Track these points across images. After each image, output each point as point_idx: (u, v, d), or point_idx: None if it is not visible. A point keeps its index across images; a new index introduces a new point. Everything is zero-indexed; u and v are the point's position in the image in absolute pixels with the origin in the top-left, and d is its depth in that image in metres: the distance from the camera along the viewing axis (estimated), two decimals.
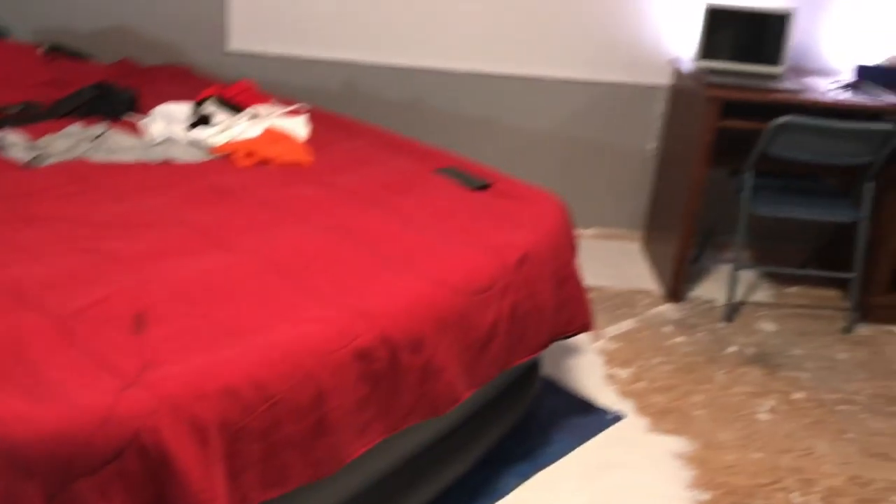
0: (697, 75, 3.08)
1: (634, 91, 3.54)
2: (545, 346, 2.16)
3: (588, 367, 2.77)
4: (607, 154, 3.66)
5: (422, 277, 1.84)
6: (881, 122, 2.81)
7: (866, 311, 3.20)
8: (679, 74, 3.32)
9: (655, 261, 3.44)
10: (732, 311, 3.19)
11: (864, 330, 3.15)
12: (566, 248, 2.20)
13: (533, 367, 2.41)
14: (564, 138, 3.64)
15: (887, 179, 3.11)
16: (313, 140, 2.65)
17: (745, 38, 3.18)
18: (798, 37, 3.37)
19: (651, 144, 3.61)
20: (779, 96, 2.92)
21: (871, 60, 3.35)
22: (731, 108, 2.98)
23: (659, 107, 3.55)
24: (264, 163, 2.43)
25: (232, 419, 1.45)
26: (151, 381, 1.42)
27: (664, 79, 3.50)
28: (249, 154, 2.45)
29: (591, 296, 3.23)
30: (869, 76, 3.18)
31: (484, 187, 2.36)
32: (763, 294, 3.36)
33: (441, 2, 3.44)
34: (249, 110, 2.72)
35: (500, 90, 3.58)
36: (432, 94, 3.61)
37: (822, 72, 3.35)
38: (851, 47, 3.38)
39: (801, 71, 3.32)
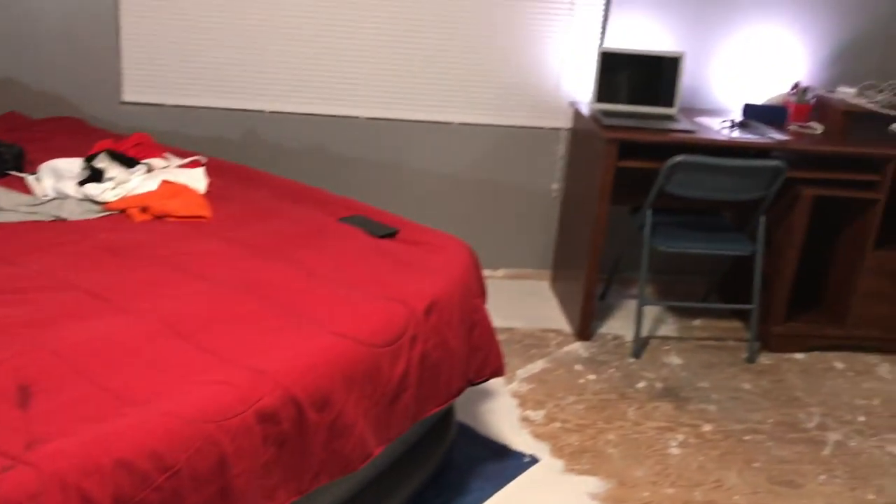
0: (595, 118, 3.17)
1: (537, 134, 3.61)
2: (458, 393, 2.14)
3: (502, 411, 2.77)
4: (514, 196, 3.71)
5: (327, 331, 1.79)
6: (769, 160, 2.94)
7: (767, 341, 3.32)
8: (579, 117, 3.40)
9: (564, 299, 3.49)
10: (640, 346, 3.26)
11: (765, 359, 3.26)
12: (475, 293, 2.20)
13: (447, 415, 2.38)
14: (471, 181, 3.67)
15: (779, 214, 3.26)
16: (212, 192, 2.58)
17: (639, 81, 3.29)
18: (690, 79, 3.52)
19: (555, 185, 3.68)
20: (673, 136, 3.02)
21: (757, 99, 3.53)
22: (628, 149, 3.08)
23: (561, 148, 3.62)
24: (161, 218, 2.36)
25: (127, 494, 1.37)
26: (37, 458, 1.33)
27: (565, 121, 3.59)
28: (145, 209, 2.37)
29: (502, 338, 3.24)
30: (755, 115, 3.33)
31: (390, 235, 2.34)
32: (669, 328, 3.45)
33: (343, 48, 3.45)
34: (144, 163, 2.64)
35: (405, 135, 3.59)
36: (336, 141, 3.59)
37: (713, 112, 3.49)
38: (739, 87, 3.55)
39: (693, 111, 3.45)
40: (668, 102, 3.30)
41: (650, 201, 3.08)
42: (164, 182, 2.51)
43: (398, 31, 3.43)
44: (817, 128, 3.27)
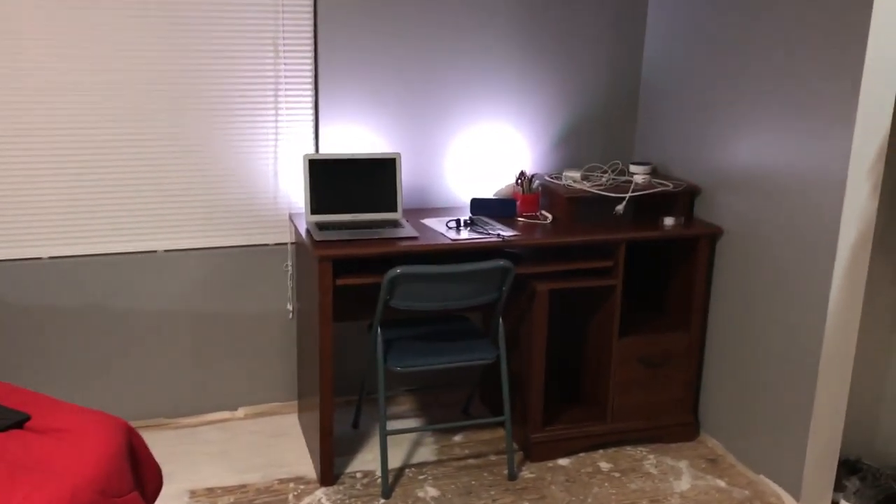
0: (309, 232, 2.85)
1: (262, 252, 3.24)
2: None
3: None
4: (246, 323, 3.29)
5: None
6: (496, 260, 2.73)
7: (528, 450, 3.06)
8: (297, 232, 3.07)
9: (310, 436, 3.07)
10: (390, 483, 2.88)
11: (528, 471, 2.98)
12: (119, 490, 1.74)
13: None
14: (194, 314, 3.22)
15: (521, 312, 3.06)
16: None
17: (356, 188, 3.02)
18: (417, 179, 3.30)
19: (290, 305, 3.30)
20: (389, 248, 2.74)
21: (486, 192, 3.37)
22: (349, 264, 2.77)
23: (290, 265, 3.27)
24: None
25: None
26: None
27: (290, 235, 3.25)
28: None
29: (233, 499, 2.77)
30: (483, 209, 3.15)
31: (17, 424, 1.84)
32: (427, 451, 3.10)
33: (4, 182, 2.94)
34: None
35: (104, 272, 3.10)
36: (15, 289, 3.03)
37: (444, 210, 3.28)
38: (467, 182, 3.38)
39: (423, 212, 3.22)
40: (390, 206, 3.04)
41: (377, 319, 2.77)
42: None
43: (78, 151, 2.98)
44: (547, 217, 3.13)
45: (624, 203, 3.05)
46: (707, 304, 3.17)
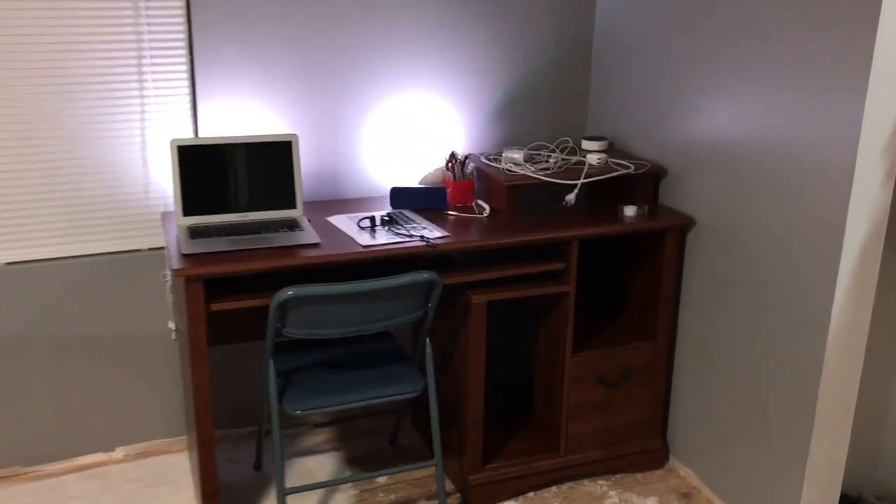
0: (179, 242, 2.24)
1: (134, 259, 2.60)
2: None
3: None
4: (117, 346, 2.67)
5: None
6: (419, 273, 2.16)
7: (467, 493, 2.53)
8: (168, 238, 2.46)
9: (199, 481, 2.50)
10: None
11: None
12: None
13: None
14: (50, 339, 2.57)
15: (454, 328, 2.51)
16: None
17: (240, 180, 2.41)
18: (325, 166, 2.70)
19: (172, 323, 2.70)
20: (280, 262, 2.14)
21: (411, 178, 2.80)
22: (226, 282, 2.18)
23: (167, 275, 2.65)
24: None
25: None
26: None
27: (164, 239, 2.63)
28: None
29: None
30: (405, 201, 2.57)
31: None
32: (344, 497, 2.54)
33: None
34: None
35: None
36: None
37: (359, 203, 2.67)
38: (390, 167, 2.79)
39: (332, 206, 2.61)
40: (287, 203, 2.44)
41: (269, 350, 2.19)
42: None
43: None
44: (483, 208, 2.56)
45: (576, 191, 2.50)
46: (676, 308, 2.65)
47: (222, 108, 2.55)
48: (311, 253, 2.18)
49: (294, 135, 2.43)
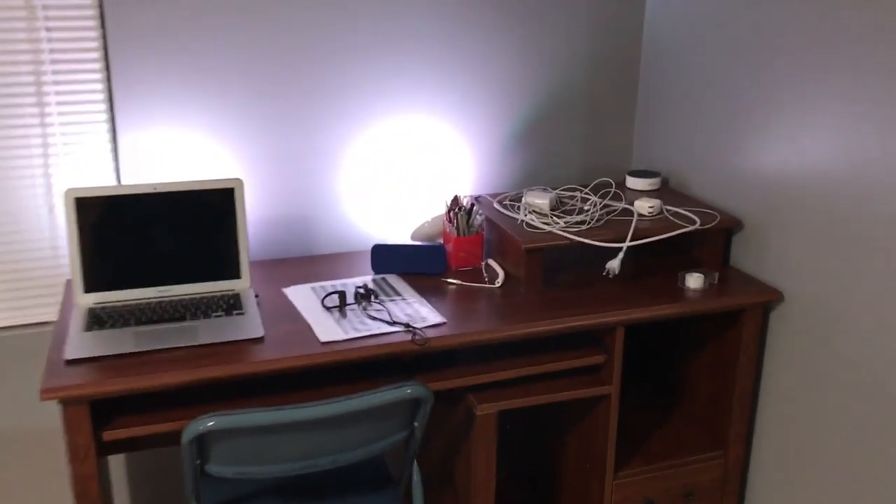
0: (70, 334, 1.61)
1: (35, 338, 2.01)
2: None
3: None
4: (7, 444, 2.08)
5: None
6: (401, 387, 1.52)
7: None
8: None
9: None
10: None
11: None
12: None
13: None
14: None
15: (453, 442, 1.87)
16: None
17: (164, 242, 1.78)
18: (287, 208, 2.08)
19: None
20: (203, 373, 1.48)
21: (395, 232, 2.17)
22: (129, 399, 1.55)
23: None
24: None
25: None
26: None
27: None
28: None
29: None
30: (390, 263, 1.92)
31: None
32: None
33: None
34: None
35: None
36: None
37: (328, 261, 2.05)
38: (370, 213, 2.14)
39: (292, 267, 1.98)
40: (229, 270, 1.81)
41: (190, 490, 1.58)
42: None
43: None
44: (496, 274, 1.92)
45: (621, 256, 1.85)
46: (754, 408, 2.01)
47: (151, 141, 1.92)
48: (251, 353, 1.55)
49: (237, 180, 1.80)
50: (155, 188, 1.74)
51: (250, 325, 1.64)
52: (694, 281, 1.86)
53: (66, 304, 1.76)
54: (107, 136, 1.90)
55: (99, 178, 1.92)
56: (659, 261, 2.01)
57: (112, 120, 1.90)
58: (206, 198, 1.77)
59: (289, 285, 1.87)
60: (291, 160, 2.04)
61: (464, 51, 2.10)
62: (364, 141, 2.08)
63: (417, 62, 2.07)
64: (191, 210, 1.76)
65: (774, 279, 1.89)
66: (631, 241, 1.84)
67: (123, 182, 1.93)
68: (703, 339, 2.02)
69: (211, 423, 1.42)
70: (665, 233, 1.87)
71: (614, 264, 1.82)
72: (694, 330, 2.06)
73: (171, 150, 1.95)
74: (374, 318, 1.69)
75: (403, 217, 2.16)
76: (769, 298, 1.86)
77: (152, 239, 1.75)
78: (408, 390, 1.52)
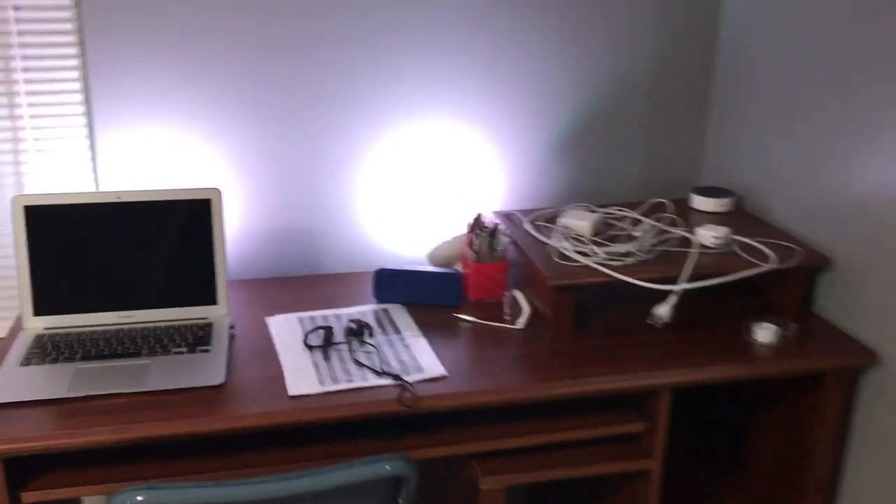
0: (16, 354, 1.37)
1: None
2: None
3: None
4: None
5: None
6: (377, 461, 1.22)
7: None
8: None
9: None
10: None
11: None
12: None
13: None
14: None
15: None
16: None
17: (128, 260, 1.51)
18: (285, 221, 1.80)
19: None
20: (128, 434, 1.20)
21: (411, 254, 1.87)
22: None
23: None
24: None
25: None
26: None
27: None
28: None
29: None
30: (392, 290, 1.62)
31: None
32: None
33: None
34: None
35: None
36: None
37: (327, 284, 1.76)
38: (382, 229, 1.84)
39: (282, 287, 1.70)
40: (203, 294, 1.55)
41: None
42: None
43: None
44: (520, 310, 1.61)
45: (673, 303, 1.51)
46: (834, 494, 1.60)
47: (135, 144, 1.67)
48: (203, 405, 1.28)
49: (215, 189, 1.53)
50: (118, 197, 1.50)
51: (212, 367, 1.37)
52: (765, 334, 1.50)
53: (17, 326, 1.54)
54: (83, 133, 1.67)
55: (76, 184, 1.68)
56: (721, 304, 1.65)
57: (89, 114, 1.66)
58: (179, 210, 1.51)
59: (275, 312, 1.60)
60: (293, 167, 1.76)
61: (496, 39, 1.77)
62: (378, 144, 1.78)
63: (442, 56, 1.76)
64: (160, 224, 1.51)
65: (869, 335, 1.51)
66: (687, 282, 1.49)
67: (102, 189, 1.70)
68: (774, 400, 1.65)
69: (140, 499, 1.16)
70: (730, 273, 1.50)
71: (663, 311, 1.47)
72: (762, 387, 1.69)
73: (158, 153, 1.69)
74: (361, 365, 1.41)
75: (421, 235, 1.86)
76: (861, 361, 1.48)
77: (115, 256, 1.50)
78: (386, 466, 1.23)
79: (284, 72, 1.70)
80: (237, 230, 1.77)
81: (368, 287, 1.72)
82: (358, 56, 1.72)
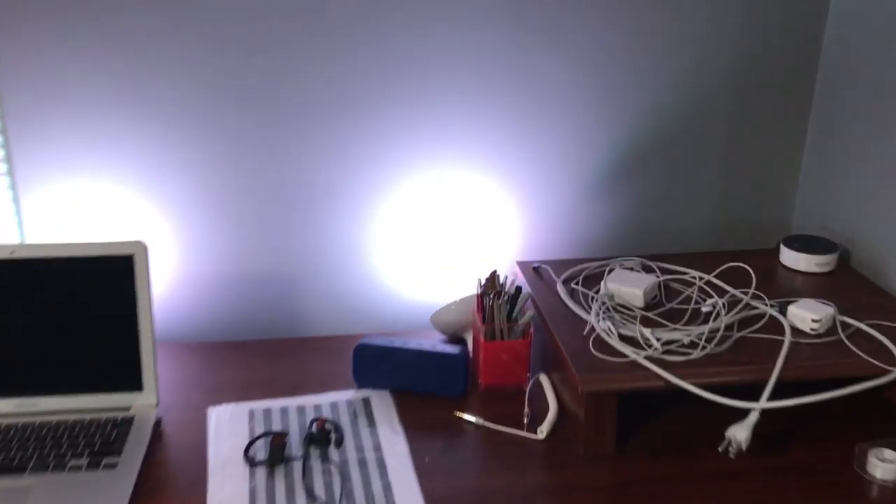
0: None
1: None
2: None
3: None
4: None
5: None
6: None
7: None
8: None
9: None
10: None
11: None
12: None
13: None
14: None
15: None
16: None
17: (30, 333, 1.16)
18: (264, 266, 1.43)
19: None
20: None
21: (413, 317, 1.46)
22: None
23: None
24: None
25: None
26: None
27: None
28: None
29: None
30: (375, 373, 1.21)
31: None
32: None
33: None
34: None
35: None
36: None
37: (319, 349, 1.39)
38: (386, 289, 1.46)
39: (256, 356, 1.35)
40: (128, 378, 1.19)
41: None
42: None
43: None
44: (545, 415, 1.21)
45: (752, 423, 1.06)
46: None
47: (64, 194, 1.31)
48: None
49: (139, 243, 1.16)
50: (12, 253, 1.14)
51: (111, 497, 1.02)
52: (884, 469, 1.07)
53: None
54: (8, 193, 1.33)
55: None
56: (819, 410, 1.22)
57: (8, 152, 1.32)
58: (93, 269, 1.15)
59: (222, 399, 1.24)
60: (263, 205, 1.39)
61: (520, 51, 1.36)
62: (371, 175, 1.40)
63: (454, 69, 1.36)
64: (69, 286, 1.15)
65: None
66: (773, 398, 1.07)
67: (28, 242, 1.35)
68: None
69: None
70: (835, 375, 1.07)
71: (741, 435, 1.05)
72: None
73: (92, 202, 1.33)
74: (312, 497, 1.03)
75: (427, 292, 1.47)
76: None
77: (11, 326, 1.16)
78: None
79: (262, 110, 1.32)
80: (196, 276, 1.41)
81: (350, 362, 1.34)
82: (358, 83, 1.33)
